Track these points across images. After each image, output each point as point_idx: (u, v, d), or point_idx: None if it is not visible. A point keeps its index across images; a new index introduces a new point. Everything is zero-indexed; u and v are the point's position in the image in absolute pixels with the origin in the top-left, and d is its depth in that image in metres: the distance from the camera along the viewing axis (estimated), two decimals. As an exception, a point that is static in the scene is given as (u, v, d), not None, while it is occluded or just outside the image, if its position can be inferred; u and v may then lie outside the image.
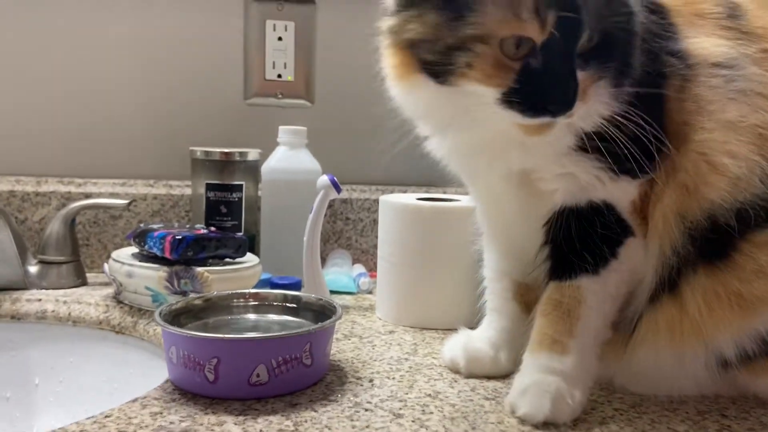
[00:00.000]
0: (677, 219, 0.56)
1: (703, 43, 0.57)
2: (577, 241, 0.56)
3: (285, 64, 1.12)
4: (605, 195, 0.56)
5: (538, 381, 0.55)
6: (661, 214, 0.57)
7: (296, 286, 0.90)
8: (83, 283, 0.95)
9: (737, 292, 0.55)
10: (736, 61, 0.56)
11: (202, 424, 0.52)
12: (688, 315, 0.57)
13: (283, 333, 0.59)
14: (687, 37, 0.57)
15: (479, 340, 0.67)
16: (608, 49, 0.51)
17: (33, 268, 0.92)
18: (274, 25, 1.11)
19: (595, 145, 0.54)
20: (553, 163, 0.56)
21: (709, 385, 0.60)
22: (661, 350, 0.58)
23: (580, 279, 0.56)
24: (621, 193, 0.56)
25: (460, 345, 0.67)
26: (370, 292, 0.98)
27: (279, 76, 1.12)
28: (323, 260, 1.05)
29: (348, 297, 0.96)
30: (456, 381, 0.65)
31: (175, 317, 0.64)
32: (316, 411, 0.56)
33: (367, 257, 1.12)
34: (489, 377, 0.65)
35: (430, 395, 0.61)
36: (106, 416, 0.53)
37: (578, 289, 0.56)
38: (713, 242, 0.55)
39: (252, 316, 0.69)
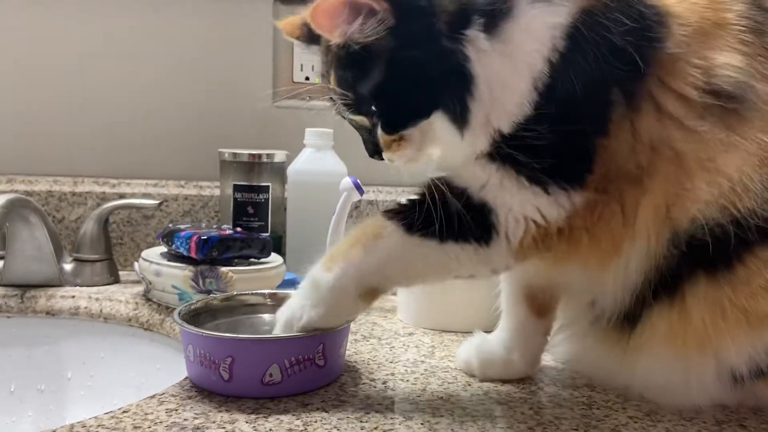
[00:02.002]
0: (667, 228, 0.55)
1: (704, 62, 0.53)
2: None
3: (312, 67, 1.13)
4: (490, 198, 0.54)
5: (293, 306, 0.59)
6: (649, 220, 0.55)
7: (320, 286, 0.91)
8: (116, 280, 0.98)
9: (743, 307, 0.54)
10: (741, 86, 0.53)
11: (214, 422, 0.53)
12: (691, 325, 0.55)
13: (296, 334, 0.60)
14: (674, 62, 0.54)
15: (493, 341, 0.68)
16: (389, 98, 0.55)
17: (68, 266, 0.95)
18: (302, 28, 1.13)
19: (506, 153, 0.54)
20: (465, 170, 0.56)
21: (723, 396, 0.59)
22: (663, 357, 0.57)
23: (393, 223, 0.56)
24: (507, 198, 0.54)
25: (473, 347, 0.67)
26: (394, 294, 0.98)
27: (307, 78, 1.14)
28: (348, 261, 1.06)
29: (371, 298, 0.96)
30: (470, 384, 0.65)
31: (194, 316, 0.65)
32: (327, 411, 0.56)
33: (392, 258, 1.12)
34: (503, 380, 0.65)
35: (442, 398, 0.61)
36: (124, 411, 0.55)
37: (385, 227, 0.56)
38: (710, 253, 0.53)
39: (269, 316, 0.70)
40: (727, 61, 0.53)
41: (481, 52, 0.52)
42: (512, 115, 0.53)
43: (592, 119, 0.53)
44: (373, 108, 0.56)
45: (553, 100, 0.52)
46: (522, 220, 0.54)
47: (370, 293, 0.57)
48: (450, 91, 0.53)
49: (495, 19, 0.52)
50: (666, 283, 0.56)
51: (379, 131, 0.57)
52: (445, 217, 0.53)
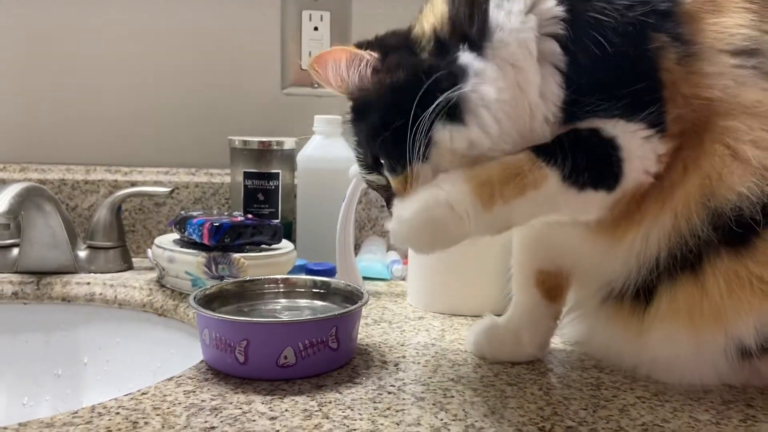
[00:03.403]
0: (699, 206, 0.55)
1: (717, 26, 0.54)
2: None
3: (321, 54, 1.14)
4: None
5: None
6: (683, 197, 0.55)
7: (330, 272, 0.92)
8: (129, 267, 1.00)
9: (759, 276, 0.54)
10: (758, 44, 0.54)
11: (231, 403, 0.55)
12: (708, 296, 0.56)
13: (309, 317, 0.61)
14: (693, 19, 0.54)
15: (502, 323, 0.69)
16: (393, 143, 0.55)
17: (82, 253, 0.97)
18: (310, 15, 1.13)
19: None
20: None
21: (730, 374, 0.60)
22: (679, 330, 0.57)
23: (553, 171, 0.53)
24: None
25: (483, 329, 0.69)
26: (403, 279, 0.99)
27: (315, 65, 1.14)
28: (358, 247, 1.07)
29: (381, 283, 0.98)
30: (480, 366, 0.66)
31: (209, 301, 0.67)
32: (340, 393, 0.58)
33: (401, 244, 1.13)
34: (513, 362, 0.66)
35: (453, 379, 0.62)
36: (143, 393, 0.56)
37: (545, 177, 0.53)
38: (737, 233, 0.54)
39: (282, 301, 0.72)
40: (739, 23, 0.54)
41: (478, 70, 0.53)
42: (550, 104, 0.53)
43: (639, 74, 0.53)
44: (378, 152, 0.57)
45: (582, 71, 0.52)
46: (639, 167, 0.54)
47: (505, 229, 0.57)
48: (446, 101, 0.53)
49: (478, 39, 0.54)
50: (690, 257, 0.56)
51: (387, 174, 0.58)
52: (592, 167, 0.54)
